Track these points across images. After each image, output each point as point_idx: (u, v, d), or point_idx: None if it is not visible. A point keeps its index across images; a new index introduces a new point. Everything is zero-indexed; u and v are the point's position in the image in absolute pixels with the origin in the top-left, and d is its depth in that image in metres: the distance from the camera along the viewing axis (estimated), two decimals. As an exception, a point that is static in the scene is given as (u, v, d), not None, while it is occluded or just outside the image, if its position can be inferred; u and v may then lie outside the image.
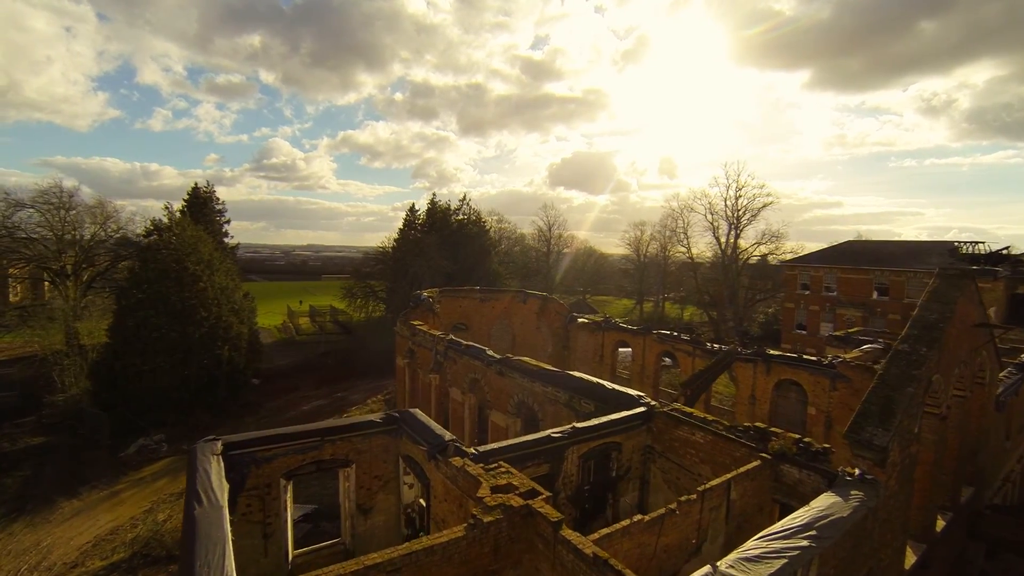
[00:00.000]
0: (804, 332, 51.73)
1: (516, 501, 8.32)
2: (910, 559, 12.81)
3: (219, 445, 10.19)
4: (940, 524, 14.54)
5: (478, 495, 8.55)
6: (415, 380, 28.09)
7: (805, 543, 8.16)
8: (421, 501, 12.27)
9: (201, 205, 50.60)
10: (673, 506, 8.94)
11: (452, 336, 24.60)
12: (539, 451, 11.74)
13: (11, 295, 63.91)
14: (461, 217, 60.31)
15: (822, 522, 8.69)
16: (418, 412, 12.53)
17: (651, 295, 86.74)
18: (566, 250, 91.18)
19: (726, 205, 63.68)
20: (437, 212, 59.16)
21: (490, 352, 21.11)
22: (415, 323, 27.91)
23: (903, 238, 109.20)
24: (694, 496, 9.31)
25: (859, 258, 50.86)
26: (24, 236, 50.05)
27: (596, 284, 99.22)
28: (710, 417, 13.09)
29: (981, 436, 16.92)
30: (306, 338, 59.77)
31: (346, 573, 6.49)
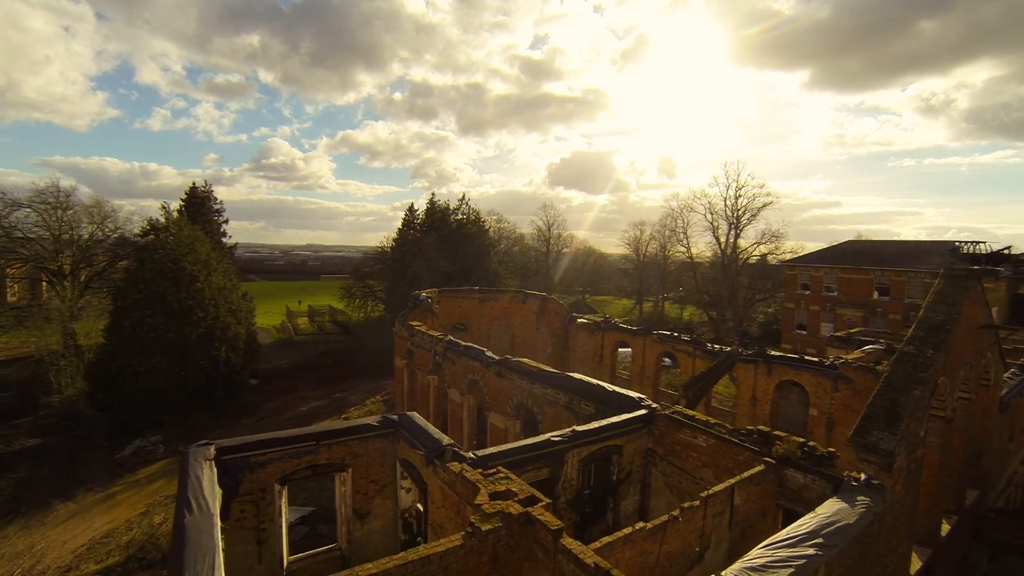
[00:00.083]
0: (804, 332, 51.56)
1: (515, 508, 8.12)
2: (915, 564, 12.63)
3: (212, 450, 9.98)
4: (945, 528, 14.37)
5: (476, 502, 8.35)
6: (414, 381, 27.88)
7: (811, 551, 7.96)
8: (419, 506, 12.07)
9: (199, 205, 50.33)
10: (676, 513, 8.74)
11: (451, 337, 24.39)
12: (539, 455, 11.53)
13: (8, 295, 63.70)
14: (460, 217, 60.08)
15: (828, 529, 8.50)
16: (416, 415, 12.32)
17: (651, 295, 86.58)
18: (565, 250, 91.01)
19: (726, 205, 63.57)
20: (436, 212, 58.93)
21: (489, 353, 20.90)
22: (413, 324, 27.70)
23: (902, 238, 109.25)
24: (697, 502, 9.11)
25: (859, 258, 50.70)
26: (21, 236, 49.84)
27: (595, 284, 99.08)
28: (712, 420, 12.89)
29: (985, 438, 16.74)
30: (305, 338, 59.56)
31: (339, 585, 6.28)
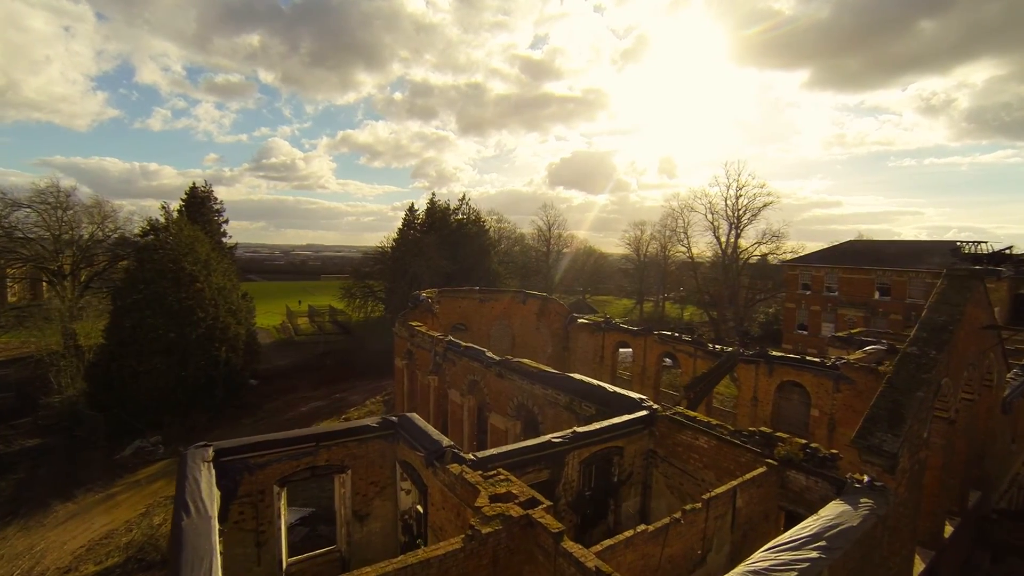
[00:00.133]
0: (805, 332, 51.47)
1: (516, 511, 8.05)
2: (918, 566, 12.55)
3: (210, 452, 9.92)
4: (948, 530, 14.29)
5: (476, 504, 8.28)
6: (414, 381, 27.81)
7: (815, 554, 7.89)
8: (418, 508, 12.00)
9: (199, 205, 50.28)
10: (678, 515, 8.67)
11: (451, 337, 24.32)
12: (539, 456, 11.45)
13: (9, 295, 63.70)
14: (460, 217, 60.00)
15: (831, 532, 8.42)
16: (415, 417, 12.25)
17: (651, 295, 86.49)
18: (566, 250, 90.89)
19: (726, 205, 63.47)
20: (436, 212, 58.85)
21: (489, 354, 20.83)
22: (414, 324, 27.63)
23: (902, 238, 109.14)
24: (699, 504, 9.04)
25: (860, 258, 50.59)
26: (21, 236, 49.84)
27: (596, 284, 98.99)
28: (714, 421, 12.81)
29: (988, 439, 16.66)
30: (305, 338, 59.50)
31: (338, 589, 6.21)
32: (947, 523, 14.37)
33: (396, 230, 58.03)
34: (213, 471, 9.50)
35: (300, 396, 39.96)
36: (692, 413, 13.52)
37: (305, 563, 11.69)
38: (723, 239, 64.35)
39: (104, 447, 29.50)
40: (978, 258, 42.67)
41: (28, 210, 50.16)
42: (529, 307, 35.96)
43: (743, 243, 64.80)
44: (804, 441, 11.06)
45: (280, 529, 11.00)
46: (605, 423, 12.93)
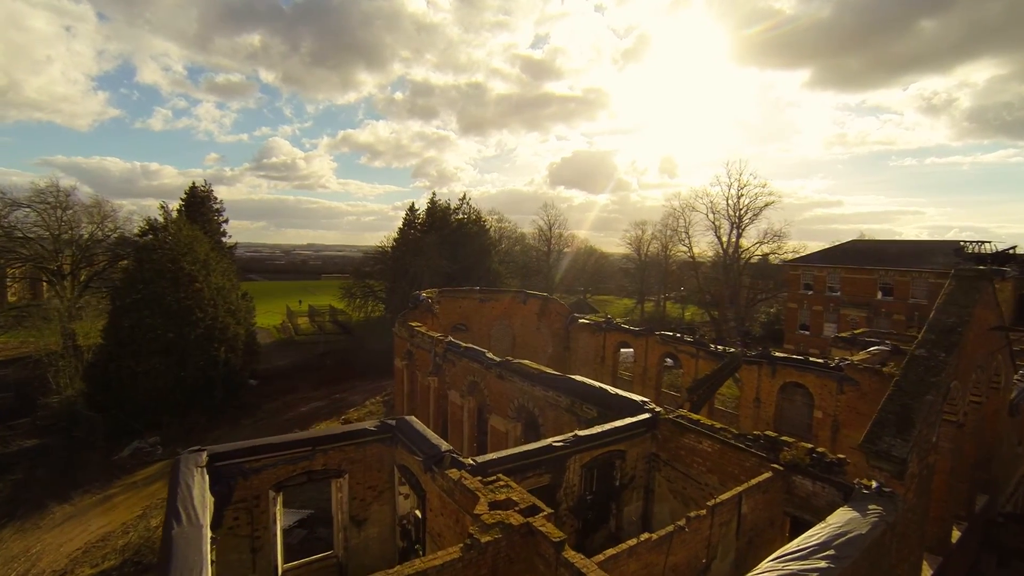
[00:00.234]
0: (808, 333, 51.21)
1: (516, 519, 7.83)
2: (926, 572, 12.33)
3: (204, 456, 9.71)
4: (955, 535, 14.06)
5: (476, 511, 8.06)
6: (414, 382, 27.61)
7: (823, 564, 7.68)
8: (417, 513, 11.79)
9: (199, 204, 50.05)
10: (682, 523, 8.45)
11: (451, 338, 24.11)
12: (540, 461, 11.24)
13: (9, 295, 63.58)
14: (461, 216, 59.77)
15: (840, 540, 8.21)
16: (414, 420, 12.03)
17: (652, 295, 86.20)
18: (566, 249, 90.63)
19: (728, 204, 63.18)
20: (437, 211, 58.63)
21: (489, 354, 20.61)
22: (413, 324, 27.42)
23: (904, 237, 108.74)
24: (703, 511, 8.82)
25: (863, 258, 50.33)
26: (21, 236, 49.72)
27: (597, 284, 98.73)
28: (717, 425, 12.59)
29: (995, 442, 16.43)
30: (305, 338, 59.32)
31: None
32: (954, 528, 14.13)
33: (396, 230, 57.89)
34: (207, 476, 9.29)
35: (300, 396, 39.76)
36: (695, 416, 13.30)
37: (301, 569, 11.49)
38: (724, 239, 64.12)
39: (102, 448, 29.33)
40: (982, 258, 42.36)
41: (28, 210, 50.07)
42: (530, 307, 35.75)
43: (744, 243, 64.60)
44: (810, 446, 10.83)
45: (276, 535, 10.80)
46: (607, 426, 12.72)
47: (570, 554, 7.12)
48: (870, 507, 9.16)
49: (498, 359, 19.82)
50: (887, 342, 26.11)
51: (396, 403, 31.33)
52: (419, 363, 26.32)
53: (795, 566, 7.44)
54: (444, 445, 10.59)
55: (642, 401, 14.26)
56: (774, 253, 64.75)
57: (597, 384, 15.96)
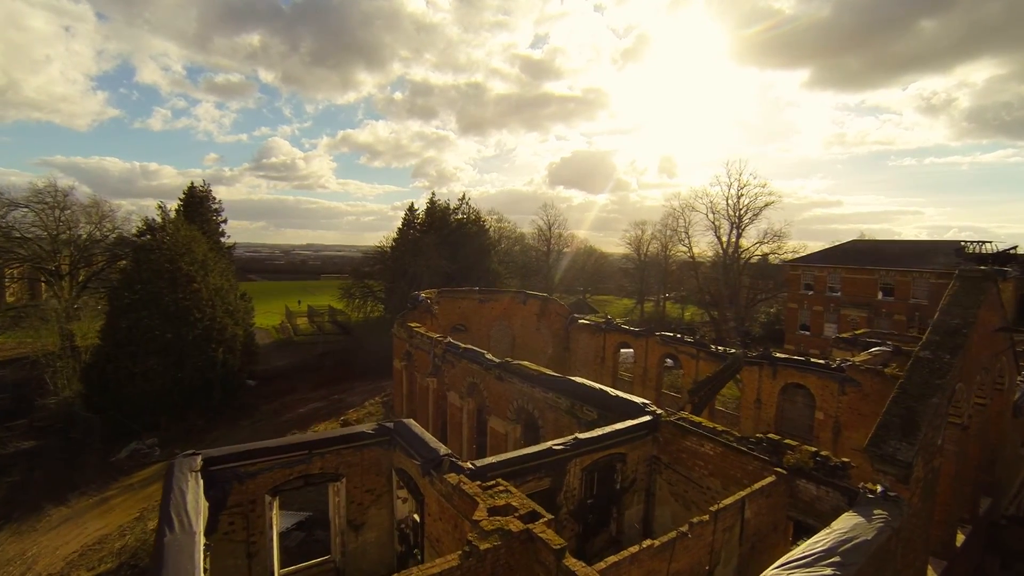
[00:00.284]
0: (808, 333, 51.08)
1: (515, 525, 7.68)
2: (930, 577, 12.19)
3: (198, 460, 9.56)
4: (959, 538, 13.92)
5: (475, 518, 7.91)
6: (413, 383, 27.46)
7: (829, 571, 7.53)
8: (415, 517, 11.64)
9: (197, 204, 49.82)
10: (684, 528, 8.30)
11: (450, 339, 23.96)
12: (540, 464, 11.08)
13: (7, 295, 63.42)
14: (460, 216, 59.59)
15: (846, 546, 8.07)
16: (412, 423, 11.88)
17: (652, 295, 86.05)
18: (566, 249, 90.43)
19: (728, 204, 63.03)
20: (436, 211, 58.45)
21: (489, 355, 20.46)
22: (412, 325, 27.27)
23: (903, 237, 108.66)
24: (706, 517, 8.67)
25: (863, 258, 50.20)
26: (19, 236, 49.60)
27: (596, 284, 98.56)
28: (719, 427, 12.44)
29: (999, 444, 16.30)
30: (304, 338, 59.15)
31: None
32: (958, 531, 13.99)
33: (396, 230, 57.71)
34: (201, 481, 9.14)
35: (299, 397, 39.59)
36: (697, 418, 13.15)
37: (298, 574, 11.34)
38: (724, 239, 63.97)
39: (99, 449, 29.16)
40: (983, 258, 42.33)
41: (25, 210, 49.97)
42: (529, 307, 35.60)
43: (744, 243, 64.46)
44: (814, 449, 10.68)
45: (272, 540, 10.65)
46: (607, 429, 12.57)
47: (571, 562, 6.98)
48: (875, 512, 9.02)
49: (497, 360, 19.67)
50: (888, 343, 25.97)
51: (395, 404, 31.18)
52: (418, 364, 26.17)
53: (800, 574, 7.29)
54: (443, 449, 10.44)
55: (643, 403, 14.12)
56: (774, 253, 64.64)
57: (597, 386, 15.82)
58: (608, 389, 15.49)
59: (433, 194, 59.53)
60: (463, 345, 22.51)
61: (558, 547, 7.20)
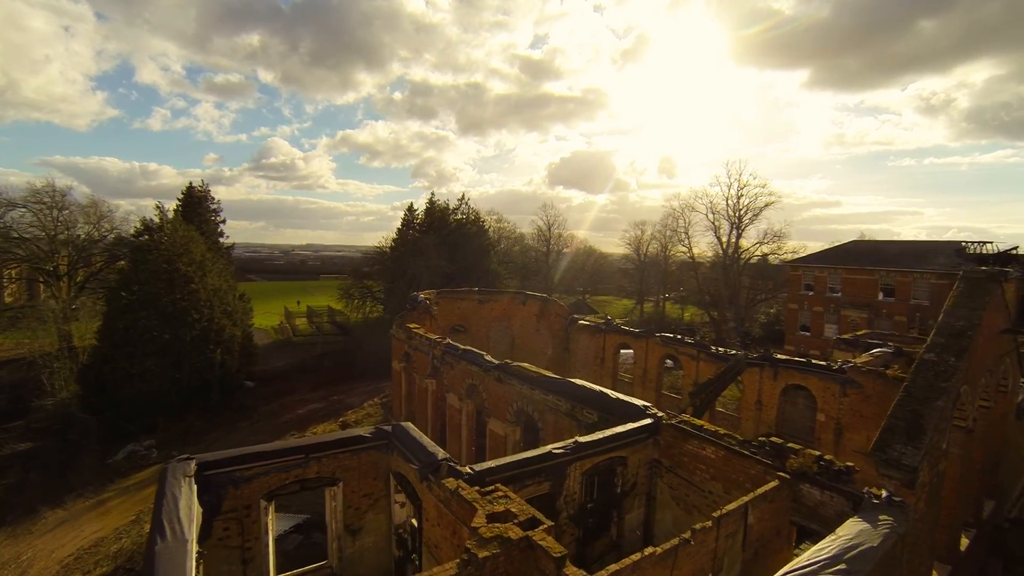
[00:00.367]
0: (808, 334, 50.93)
1: (515, 532, 7.53)
2: (935, 582, 12.04)
3: (192, 465, 9.40)
4: (963, 542, 13.78)
5: (473, 524, 7.76)
6: (412, 385, 27.29)
7: (834, 579, 7.38)
8: (413, 521, 11.48)
9: (195, 204, 49.63)
10: (687, 535, 8.14)
11: (449, 340, 23.80)
12: (540, 468, 10.92)
13: (6, 296, 63.22)
14: (460, 217, 59.46)
15: (851, 553, 7.92)
16: (410, 426, 11.72)
17: (651, 295, 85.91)
18: (566, 250, 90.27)
19: (728, 204, 62.91)
20: (436, 212, 58.31)
21: (488, 357, 20.30)
22: (411, 326, 27.10)
23: (902, 237, 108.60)
24: (709, 523, 8.51)
25: (864, 258, 50.04)
26: (16, 236, 49.45)
27: (596, 284, 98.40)
28: (721, 430, 12.28)
29: (1003, 447, 16.15)
30: (303, 339, 58.96)
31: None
32: (962, 535, 13.85)
33: (395, 230, 57.56)
34: (195, 486, 8.97)
35: (297, 398, 39.42)
36: (698, 421, 13.00)
37: (294, 580, 11.18)
38: (724, 239, 63.84)
39: (96, 451, 28.99)
40: (984, 259, 42.13)
41: (23, 210, 49.81)
42: (529, 308, 35.45)
43: (744, 243, 64.33)
44: (818, 453, 10.52)
45: (268, 545, 10.48)
46: (608, 432, 12.41)
47: (571, 570, 6.83)
48: (881, 518, 8.87)
49: (497, 362, 19.51)
50: (890, 344, 25.81)
51: (394, 406, 31.02)
52: (417, 365, 26.01)
53: (806, 582, 7.14)
54: (441, 453, 10.28)
55: (644, 406, 13.96)
56: (774, 254, 64.51)
57: (597, 388, 15.67)
58: (608, 391, 15.34)
59: (432, 194, 59.45)
60: (462, 346, 22.36)
61: (558, 555, 7.06)
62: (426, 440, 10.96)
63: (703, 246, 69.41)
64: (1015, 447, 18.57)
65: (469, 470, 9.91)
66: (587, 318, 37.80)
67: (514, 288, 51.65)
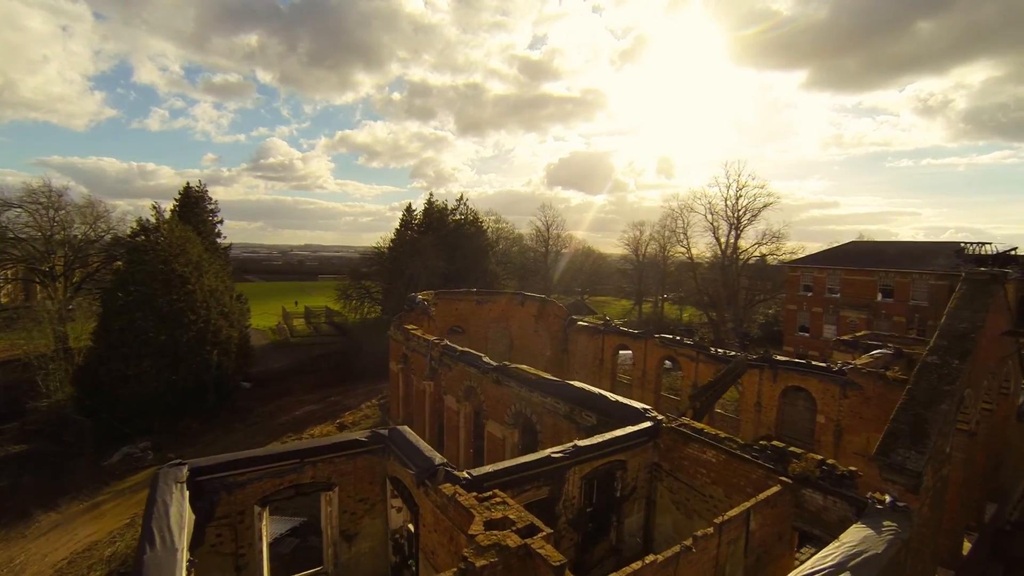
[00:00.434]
0: (807, 334, 50.87)
1: (513, 540, 7.37)
2: (937, 587, 11.91)
3: (184, 471, 9.21)
4: (966, 546, 13.65)
5: (471, 532, 7.59)
6: (409, 386, 27.12)
7: (839, 587, 7.24)
8: (410, 526, 11.32)
9: (193, 205, 49.39)
10: (688, 542, 7.99)
11: (447, 342, 23.63)
12: (538, 473, 10.77)
13: (2, 296, 62.85)
14: (458, 217, 59.31)
15: (855, 560, 7.77)
16: (407, 430, 11.55)
17: (650, 296, 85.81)
18: (564, 250, 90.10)
19: (726, 205, 62.75)
20: (434, 212, 58.15)
21: (486, 359, 20.14)
22: (409, 327, 26.93)
23: (900, 238, 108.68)
24: (710, 529, 8.36)
25: (863, 259, 50.00)
26: (12, 236, 49.11)
27: (594, 285, 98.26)
28: (722, 434, 12.14)
29: (1004, 449, 16.04)
30: (301, 340, 58.76)
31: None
32: (965, 539, 13.73)
33: (393, 230, 57.37)
34: (187, 492, 8.80)
35: (295, 399, 39.20)
36: (699, 424, 12.86)
37: (289, 586, 10.99)
38: (723, 240, 63.70)
39: (91, 453, 28.73)
40: (983, 259, 42.12)
41: (19, 210, 49.47)
42: (527, 309, 35.31)
43: (743, 244, 64.19)
44: (820, 457, 10.39)
45: (261, 551, 10.30)
46: (607, 436, 12.25)
47: (571, 580, 6.67)
48: (884, 523, 8.73)
49: (495, 364, 19.35)
50: (889, 345, 25.73)
51: (391, 407, 30.85)
52: (415, 367, 25.84)
53: (810, 591, 7.00)
54: (437, 458, 10.11)
55: (643, 409, 13.81)
56: (772, 254, 64.38)
57: (596, 390, 15.51)
58: (607, 394, 15.18)
59: (431, 195, 59.31)
60: (460, 348, 22.19)
61: (557, 564, 6.90)
62: (423, 444, 10.79)
63: (702, 247, 69.35)
64: (1016, 449, 18.46)
65: (467, 475, 9.75)
66: (586, 319, 37.67)
67: (512, 289, 51.50)
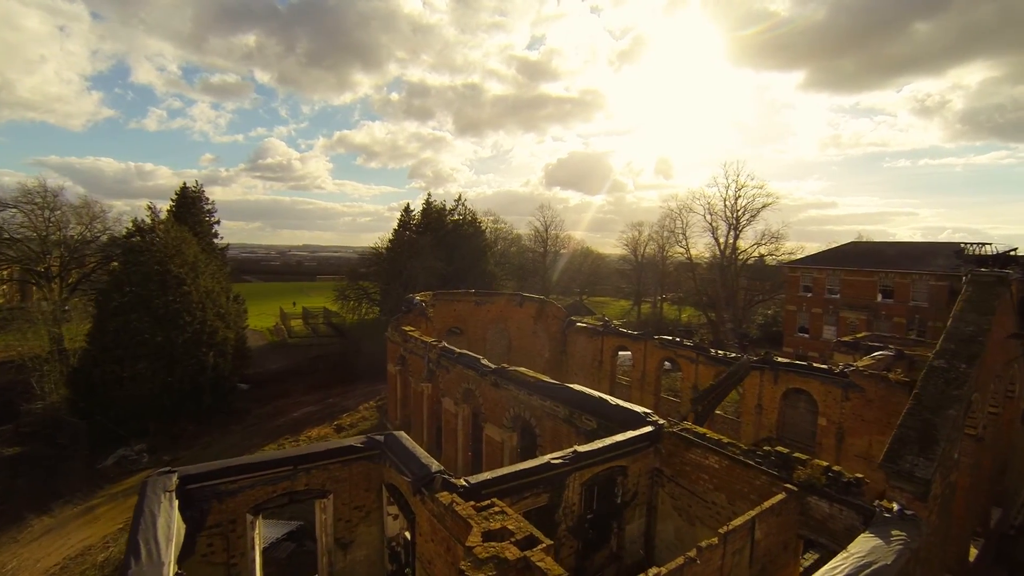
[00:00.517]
0: (807, 335, 50.70)
1: (512, 552, 7.14)
2: (944, 594, 11.71)
3: (174, 479, 8.96)
4: (972, 552, 13.45)
5: (468, 543, 7.36)
6: (407, 388, 26.87)
7: (848, 601, 7.02)
8: (406, 534, 11.07)
9: (189, 205, 49.08)
10: (692, 554, 7.76)
11: (445, 344, 23.39)
12: (538, 480, 10.53)
13: (-2, 297, 62.45)
14: (456, 217, 59.04)
15: (865, 572, 7.56)
16: (403, 436, 11.30)
17: (649, 296, 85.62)
18: (563, 251, 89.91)
19: (725, 205, 62.56)
20: (432, 212, 57.87)
21: (484, 361, 19.90)
22: (407, 329, 26.68)
23: (897, 238, 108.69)
24: (715, 540, 8.13)
25: (862, 260, 49.84)
26: (7, 237, 48.77)
27: (593, 285, 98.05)
28: (725, 439, 11.91)
29: (1009, 453, 15.85)
30: (298, 341, 58.45)
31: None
32: (971, 545, 13.52)
33: (392, 231, 57.08)
34: (176, 501, 8.55)
35: (292, 401, 38.89)
36: (701, 429, 12.63)
37: (283, 596, 10.74)
38: (722, 240, 63.52)
39: (86, 456, 28.41)
40: (983, 260, 41.94)
41: (14, 210, 49.13)
42: (526, 310, 35.08)
43: (742, 244, 64.02)
44: (826, 463, 10.16)
45: (254, 560, 10.05)
46: (608, 441, 12.02)
47: (572, 595, 6.43)
48: (893, 533, 8.51)
49: (493, 366, 19.11)
50: (890, 346, 25.56)
51: (389, 409, 30.59)
52: (413, 369, 25.59)
53: (819, 605, 6.77)
54: (435, 465, 9.86)
55: (644, 413, 13.58)
56: (771, 254, 64.22)
57: (596, 394, 15.27)
58: (608, 397, 14.95)
59: (429, 195, 59.03)
60: (458, 350, 21.95)
61: (558, 578, 6.67)
62: (419, 451, 10.54)
63: (700, 247, 69.17)
64: (1020, 453, 18.27)
65: (464, 483, 9.51)
66: (584, 320, 37.45)
67: (511, 289, 51.26)
